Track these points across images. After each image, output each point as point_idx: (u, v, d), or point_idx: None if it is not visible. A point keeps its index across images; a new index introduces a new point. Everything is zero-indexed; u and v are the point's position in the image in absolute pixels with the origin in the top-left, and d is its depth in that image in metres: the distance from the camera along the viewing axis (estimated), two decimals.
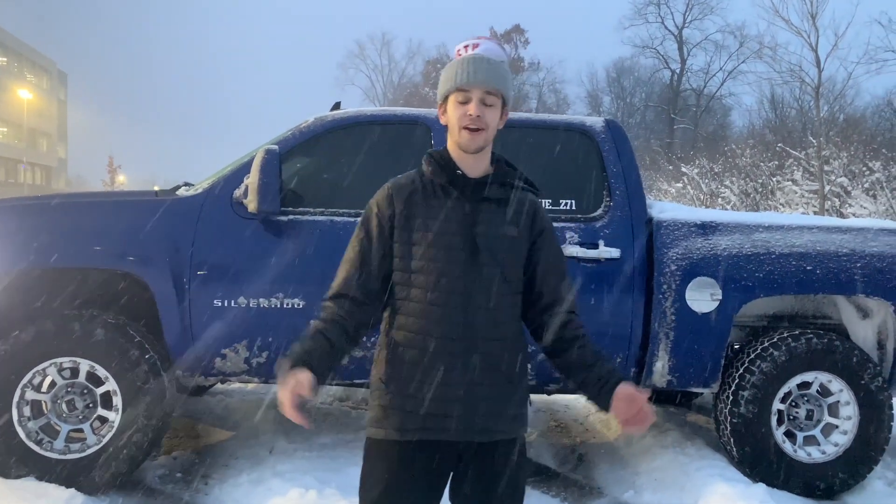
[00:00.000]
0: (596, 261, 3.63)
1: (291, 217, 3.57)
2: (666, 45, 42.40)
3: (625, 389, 1.78)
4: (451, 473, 1.89)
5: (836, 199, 13.90)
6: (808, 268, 3.68)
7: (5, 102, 55.08)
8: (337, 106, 4.13)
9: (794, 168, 15.65)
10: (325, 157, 3.78)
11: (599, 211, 3.74)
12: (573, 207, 3.74)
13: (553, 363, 1.94)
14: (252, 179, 3.37)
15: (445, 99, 1.89)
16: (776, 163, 16.78)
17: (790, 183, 15.31)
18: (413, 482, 1.83)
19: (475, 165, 1.88)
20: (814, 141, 15.33)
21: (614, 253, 3.64)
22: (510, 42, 46.46)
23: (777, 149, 17.11)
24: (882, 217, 12.92)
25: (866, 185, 13.95)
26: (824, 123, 15.64)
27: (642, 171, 4.43)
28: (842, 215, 13.66)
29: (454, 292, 1.81)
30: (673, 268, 3.64)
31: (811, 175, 14.95)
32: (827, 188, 13.81)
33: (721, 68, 41.52)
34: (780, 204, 15.57)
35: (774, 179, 16.04)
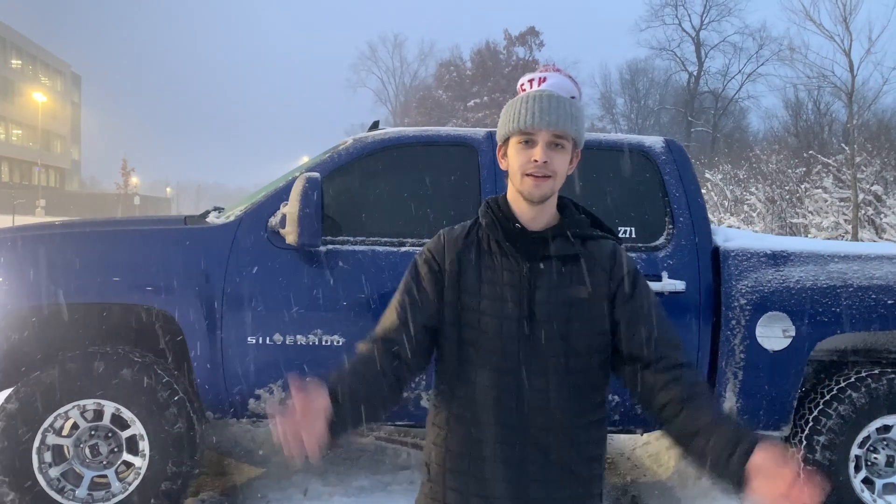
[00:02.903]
0: (659, 294, 3.33)
1: (330, 247, 3.31)
2: (683, 48, 41.95)
3: (761, 460, 1.31)
4: None
5: (869, 208, 13.52)
6: (891, 302, 3.39)
7: (20, 105, 55.36)
8: (375, 126, 3.87)
9: (824, 175, 15.28)
10: (365, 181, 3.52)
11: (662, 239, 3.46)
12: (633, 235, 3.47)
13: (667, 435, 1.59)
14: (291, 209, 3.11)
15: (506, 141, 1.61)
16: (803, 169, 16.40)
17: (820, 190, 14.93)
18: None
19: (538, 217, 1.59)
20: (845, 147, 14.93)
21: (679, 286, 3.36)
22: (525, 44, 46.04)
23: (806, 155, 16.72)
24: None
25: None
26: (856, 129, 15.23)
27: None
28: (874, 224, 13.29)
29: (506, 372, 1.53)
30: (742, 302, 3.36)
31: (841, 182, 14.56)
32: (860, 196, 13.43)
33: (740, 70, 41.05)
34: (809, 212, 15.22)
35: (802, 186, 15.67)
